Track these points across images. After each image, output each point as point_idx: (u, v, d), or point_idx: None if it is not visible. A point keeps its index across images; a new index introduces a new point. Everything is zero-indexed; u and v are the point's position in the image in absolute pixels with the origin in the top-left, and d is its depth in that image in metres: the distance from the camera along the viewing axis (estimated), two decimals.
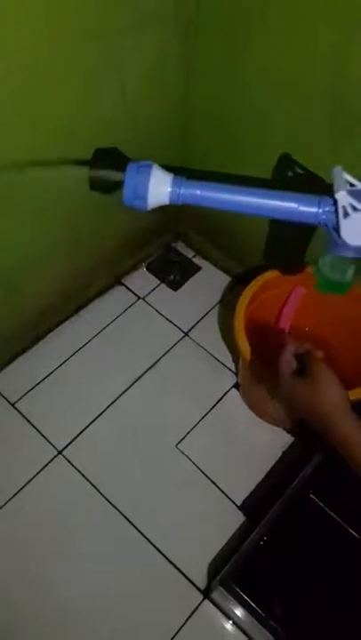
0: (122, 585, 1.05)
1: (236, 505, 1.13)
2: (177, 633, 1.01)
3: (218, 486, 1.15)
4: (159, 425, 1.22)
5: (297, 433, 1.20)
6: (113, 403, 1.25)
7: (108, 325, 1.36)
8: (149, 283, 1.44)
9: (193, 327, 1.37)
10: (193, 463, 1.18)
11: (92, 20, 0.77)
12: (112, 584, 1.05)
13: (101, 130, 0.95)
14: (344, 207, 0.50)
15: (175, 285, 1.44)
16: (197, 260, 1.49)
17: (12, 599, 1.03)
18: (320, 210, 0.53)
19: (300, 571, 0.85)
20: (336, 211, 0.51)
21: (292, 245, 1.04)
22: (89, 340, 1.33)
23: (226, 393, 1.27)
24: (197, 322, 1.38)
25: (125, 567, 1.07)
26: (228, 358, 1.32)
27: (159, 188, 0.54)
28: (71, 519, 1.11)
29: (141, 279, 1.45)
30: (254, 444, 1.20)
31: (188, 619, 1.02)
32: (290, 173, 0.93)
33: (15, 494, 1.12)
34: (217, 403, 1.26)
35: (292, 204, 0.53)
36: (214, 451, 1.20)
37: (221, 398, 1.27)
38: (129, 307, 1.39)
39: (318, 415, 0.63)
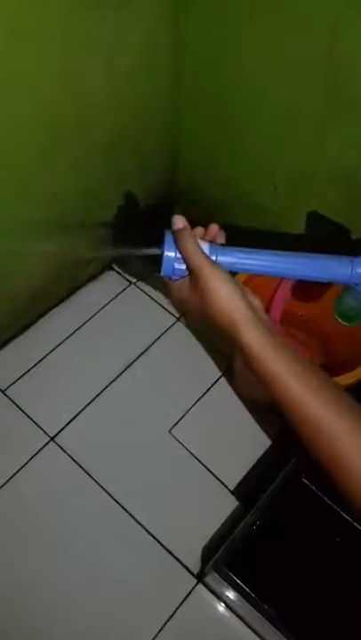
0: (115, 570, 1.05)
1: (230, 490, 1.13)
2: (170, 617, 1.01)
3: (211, 471, 1.15)
4: (152, 410, 1.22)
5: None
6: (105, 389, 1.24)
7: (99, 311, 1.34)
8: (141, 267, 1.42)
9: (185, 312, 1.36)
10: (186, 449, 1.17)
11: None
12: (105, 569, 1.05)
13: (87, 109, 0.93)
14: None
15: None
16: None
17: (2, 586, 1.03)
18: (353, 272, 0.54)
19: (293, 555, 0.85)
20: None
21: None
22: (80, 326, 1.32)
23: (219, 378, 1.27)
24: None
25: (119, 552, 1.06)
26: (220, 343, 1.31)
27: None
28: (64, 506, 1.10)
29: (133, 264, 1.43)
30: (247, 429, 1.20)
31: (181, 603, 1.02)
32: (319, 229, 0.97)
33: (6, 482, 1.11)
34: (210, 388, 1.25)
35: (326, 268, 0.54)
36: (207, 436, 1.19)
37: (214, 383, 1.26)
38: (120, 292, 1.38)
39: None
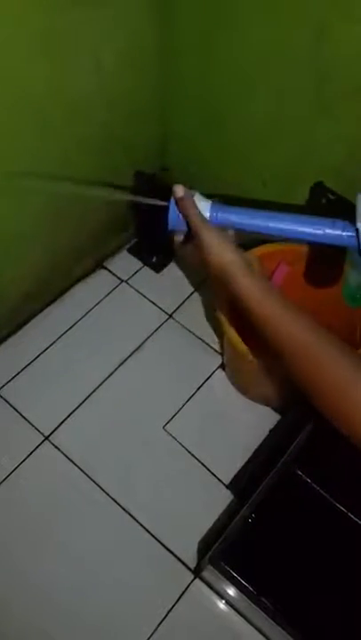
0: (112, 566, 1.05)
1: (225, 484, 1.13)
2: (168, 613, 1.01)
3: (206, 466, 1.15)
4: (146, 407, 1.22)
5: (283, 411, 1.21)
6: (98, 387, 1.24)
7: (91, 310, 1.34)
8: (132, 265, 1.42)
9: (177, 309, 1.36)
10: (180, 444, 1.17)
11: None
12: (102, 566, 1.05)
13: (75, 106, 0.93)
14: None
15: (158, 267, 1.42)
16: None
17: (1, 585, 1.03)
18: (344, 234, 0.58)
19: (289, 547, 0.86)
20: (358, 235, 0.57)
21: (331, 261, 1.05)
22: (72, 325, 1.32)
23: (212, 373, 1.27)
24: (181, 303, 1.37)
25: (115, 549, 1.07)
26: (212, 339, 1.31)
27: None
28: (59, 504, 1.10)
29: (124, 262, 1.43)
30: (241, 424, 1.20)
31: (179, 598, 1.03)
32: (323, 200, 0.99)
33: (2, 482, 1.11)
34: (203, 383, 1.26)
35: (319, 229, 0.58)
36: (202, 431, 1.20)
37: (207, 379, 1.26)
38: (112, 290, 1.38)
39: (217, 276, 0.59)
